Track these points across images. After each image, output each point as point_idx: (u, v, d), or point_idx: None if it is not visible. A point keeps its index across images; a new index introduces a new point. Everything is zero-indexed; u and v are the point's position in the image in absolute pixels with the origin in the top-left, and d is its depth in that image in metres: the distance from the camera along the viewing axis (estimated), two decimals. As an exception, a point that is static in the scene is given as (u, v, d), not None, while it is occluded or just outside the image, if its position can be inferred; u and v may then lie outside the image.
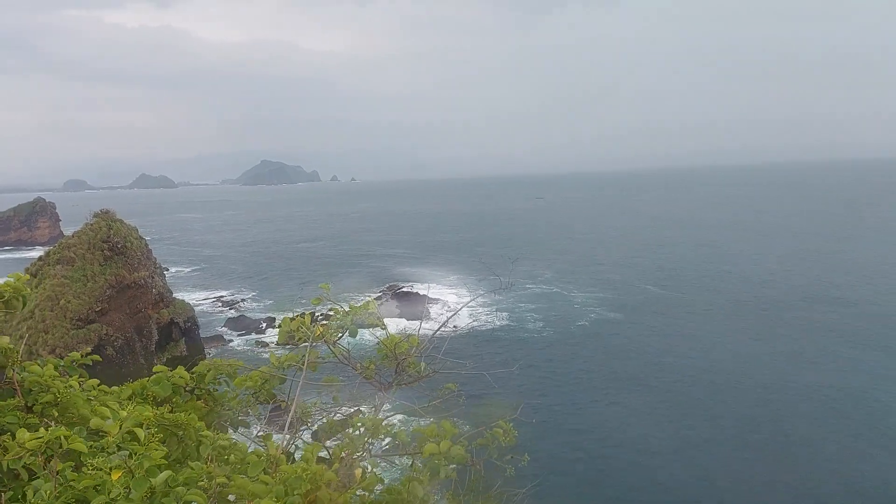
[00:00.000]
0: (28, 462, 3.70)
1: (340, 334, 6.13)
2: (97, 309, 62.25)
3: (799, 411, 52.58)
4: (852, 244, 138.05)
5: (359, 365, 6.17)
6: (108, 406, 4.20)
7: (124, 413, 3.96)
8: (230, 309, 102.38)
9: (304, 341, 5.91)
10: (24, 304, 5.41)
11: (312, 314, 6.60)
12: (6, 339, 4.79)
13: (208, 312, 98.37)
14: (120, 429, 3.89)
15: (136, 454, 3.77)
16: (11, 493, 3.68)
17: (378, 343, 6.41)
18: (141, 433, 3.90)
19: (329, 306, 6.56)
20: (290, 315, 6.11)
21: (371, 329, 6.35)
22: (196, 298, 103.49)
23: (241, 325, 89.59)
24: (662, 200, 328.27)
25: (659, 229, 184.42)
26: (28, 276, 5.50)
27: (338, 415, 6.25)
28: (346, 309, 6.19)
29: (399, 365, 6.23)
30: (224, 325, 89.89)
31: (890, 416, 50.47)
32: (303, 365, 5.85)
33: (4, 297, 5.17)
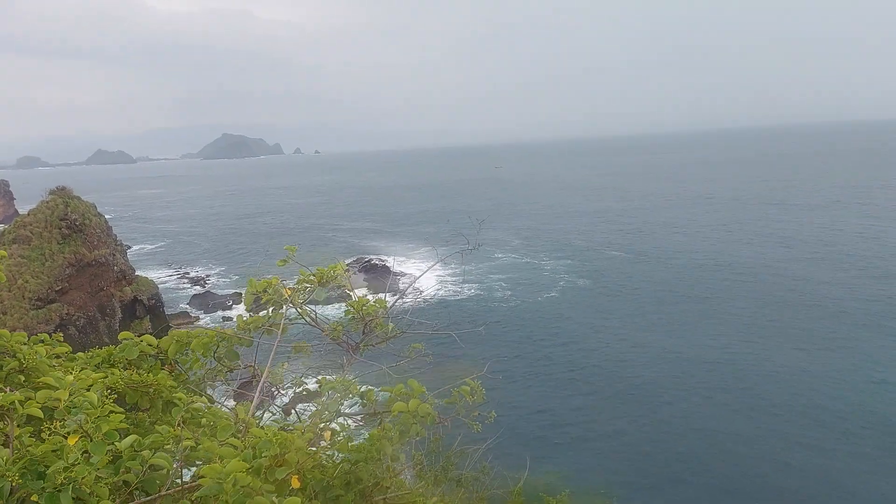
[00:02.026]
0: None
1: (308, 296, 6.10)
2: (57, 288, 60.91)
3: (766, 361, 54.37)
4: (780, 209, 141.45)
5: (327, 327, 6.15)
6: (54, 374, 4.11)
7: (70, 378, 3.88)
8: (195, 285, 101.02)
9: (272, 303, 5.86)
10: None
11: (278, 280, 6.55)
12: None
13: (173, 289, 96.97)
14: (70, 395, 3.81)
15: (92, 418, 3.71)
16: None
17: (345, 308, 6.40)
18: (93, 397, 3.83)
19: (295, 272, 6.51)
20: (256, 279, 6.04)
21: (337, 303, 6.33)
22: (160, 275, 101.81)
23: (207, 301, 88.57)
24: (620, 166, 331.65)
25: (616, 195, 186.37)
26: (4, 253, 5.31)
27: (306, 379, 6.24)
28: (313, 271, 6.15)
29: (366, 326, 6.23)
30: (189, 302, 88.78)
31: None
32: (269, 328, 5.82)
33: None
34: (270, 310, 5.92)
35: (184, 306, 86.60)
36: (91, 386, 3.99)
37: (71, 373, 3.96)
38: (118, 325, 65.50)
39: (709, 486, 38.14)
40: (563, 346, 62.28)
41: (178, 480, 4.03)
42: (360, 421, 6.10)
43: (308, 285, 6.09)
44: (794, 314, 66.57)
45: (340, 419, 5.56)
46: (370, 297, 6.79)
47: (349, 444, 5.17)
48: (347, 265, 6.88)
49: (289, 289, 6.04)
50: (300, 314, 5.96)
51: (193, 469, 4.45)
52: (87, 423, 3.68)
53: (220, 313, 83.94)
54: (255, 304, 5.94)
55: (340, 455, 5.22)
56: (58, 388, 3.75)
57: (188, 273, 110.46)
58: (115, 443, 3.83)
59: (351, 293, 6.45)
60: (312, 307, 6.50)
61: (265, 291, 5.86)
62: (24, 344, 4.76)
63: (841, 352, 56.08)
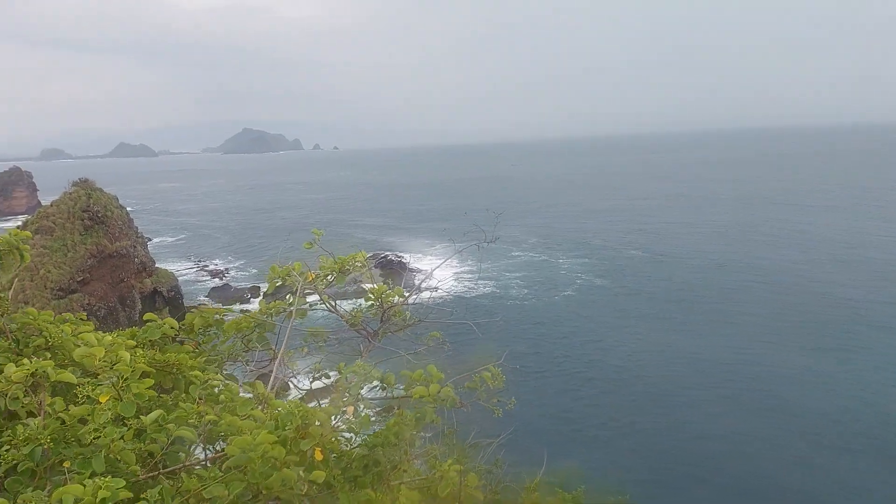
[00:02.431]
0: (12, 397, 3.72)
1: (328, 283, 6.17)
2: (78, 279, 61.73)
3: (783, 363, 53.88)
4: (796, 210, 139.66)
5: (346, 314, 6.23)
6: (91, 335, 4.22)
7: (109, 338, 4.00)
8: (214, 278, 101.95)
9: (295, 288, 5.94)
10: (22, 260, 5.34)
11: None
12: (-2, 288, 4.77)
13: (192, 282, 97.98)
14: (105, 353, 3.91)
15: (122, 378, 3.80)
16: (9, 433, 3.71)
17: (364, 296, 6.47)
18: (126, 356, 3.93)
19: (316, 260, 6.58)
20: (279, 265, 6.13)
21: (352, 298, 6.38)
22: (179, 268, 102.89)
23: (226, 294, 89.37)
24: (637, 163, 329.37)
25: (638, 194, 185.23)
26: (29, 234, 5.44)
27: (325, 367, 6.32)
28: (335, 258, 6.22)
29: (385, 313, 6.29)
30: (208, 295, 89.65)
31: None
32: (290, 312, 5.90)
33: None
34: (292, 294, 6.00)
35: (203, 299, 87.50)
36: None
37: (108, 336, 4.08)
38: (138, 316, 66.24)
39: (724, 487, 37.94)
40: (579, 343, 62.18)
41: (201, 454, 4.12)
42: (380, 406, 6.16)
43: (329, 272, 6.16)
44: (813, 316, 65.92)
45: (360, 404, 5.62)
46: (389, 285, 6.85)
47: (369, 424, 5.23)
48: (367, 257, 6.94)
49: (311, 274, 6.11)
50: (321, 300, 6.04)
51: (214, 449, 4.55)
52: (119, 383, 3.79)
53: (238, 306, 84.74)
54: (277, 290, 6.04)
55: (358, 438, 5.29)
56: (95, 346, 3.86)
57: (207, 266, 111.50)
58: (141, 416, 3.93)
59: (370, 281, 6.52)
60: (332, 301, 6.57)
61: (288, 276, 5.94)
62: (51, 322, 4.87)
63: (861, 353, 55.50)
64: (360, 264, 6.20)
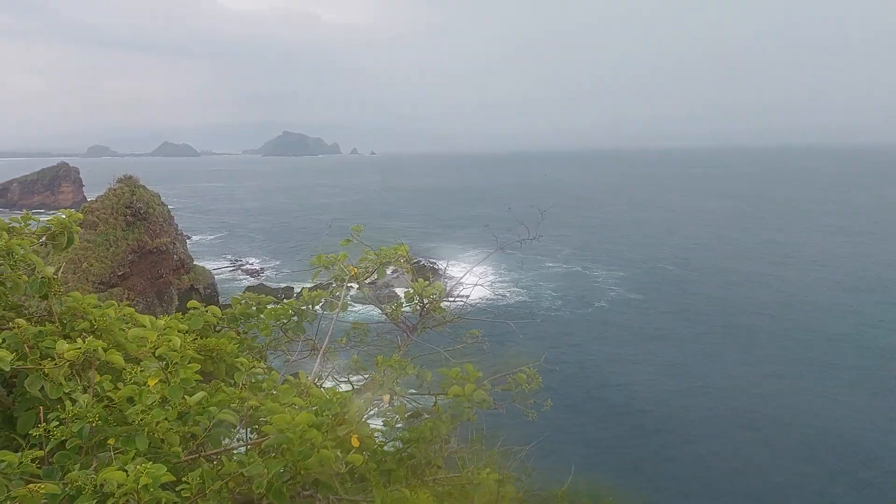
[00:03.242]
0: (66, 373, 3.80)
1: (369, 275, 6.19)
2: (119, 273, 63.08)
3: (819, 397, 52.43)
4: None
5: (386, 307, 6.24)
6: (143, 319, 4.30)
7: (161, 322, 4.06)
8: (250, 277, 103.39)
9: (337, 279, 5.98)
10: (70, 241, 5.47)
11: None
12: (50, 269, 4.87)
13: (228, 280, 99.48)
14: (158, 337, 3.98)
15: (171, 363, 3.86)
16: (57, 410, 3.77)
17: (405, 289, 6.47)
18: (177, 340, 3.98)
19: (357, 254, 6.60)
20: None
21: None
22: (216, 266, 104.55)
23: (261, 293, 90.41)
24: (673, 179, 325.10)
25: (670, 208, 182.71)
26: (80, 216, 5.58)
27: (361, 356, 6.33)
28: (377, 251, 6.24)
29: (424, 308, 6.28)
30: (243, 294, 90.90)
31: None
32: (330, 304, 5.93)
33: (50, 230, 5.27)
34: (333, 285, 6.04)
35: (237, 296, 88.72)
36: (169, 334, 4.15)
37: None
38: (175, 312, 67.42)
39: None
40: (611, 357, 61.48)
41: (242, 439, 4.16)
42: (414, 401, 6.15)
43: (371, 265, 6.18)
44: (856, 351, 61.87)
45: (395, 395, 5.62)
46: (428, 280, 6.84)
47: (404, 413, 5.23)
48: (390, 270, 6.94)
49: (354, 268, 6.14)
50: (362, 292, 6.06)
51: (254, 434, 4.59)
52: (167, 368, 3.84)
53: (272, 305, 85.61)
54: (318, 280, 6.07)
55: (393, 432, 5.29)
56: (149, 329, 3.93)
57: (243, 265, 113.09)
58: (185, 397, 3.97)
59: (411, 273, 6.53)
60: (374, 295, 6.57)
61: (333, 265, 5.97)
62: (95, 307, 4.96)
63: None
64: (401, 256, 6.21)
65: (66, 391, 3.85)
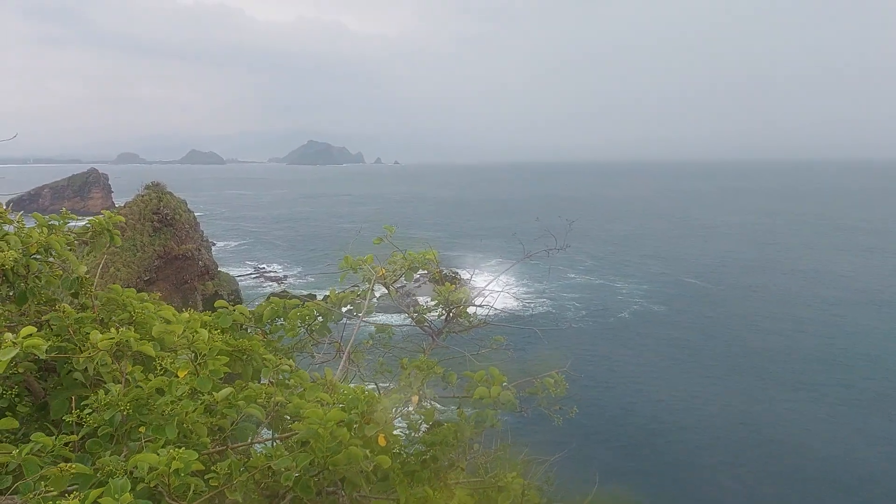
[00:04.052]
0: (101, 363, 3.87)
1: (397, 278, 6.21)
2: (145, 278, 63.95)
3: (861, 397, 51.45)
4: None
5: (412, 309, 6.25)
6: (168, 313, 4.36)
7: (186, 316, 4.12)
8: (273, 283, 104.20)
9: (365, 279, 6.01)
10: (111, 241, 5.56)
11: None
12: (84, 267, 4.96)
13: (252, 286, 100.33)
14: (185, 329, 4.03)
15: (200, 355, 3.91)
16: (90, 399, 3.84)
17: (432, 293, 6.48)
18: (204, 333, 4.03)
19: (388, 254, 6.62)
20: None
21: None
22: (240, 272, 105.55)
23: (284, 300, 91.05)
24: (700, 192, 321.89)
25: (694, 221, 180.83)
26: (122, 218, 5.67)
27: (386, 358, 6.34)
28: (406, 254, 6.26)
29: (450, 312, 6.29)
30: (267, 299, 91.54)
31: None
32: (357, 306, 5.96)
33: (91, 230, 5.38)
34: (362, 286, 6.07)
35: (261, 302, 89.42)
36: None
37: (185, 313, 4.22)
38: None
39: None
40: (634, 368, 60.94)
41: (267, 434, 4.19)
42: (438, 403, 6.14)
43: (400, 268, 6.21)
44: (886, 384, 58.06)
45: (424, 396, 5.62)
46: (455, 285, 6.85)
47: (433, 416, 5.22)
48: (419, 275, 6.93)
49: (382, 269, 6.17)
50: (389, 295, 6.09)
51: (280, 429, 4.62)
52: (197, 359, 3.90)
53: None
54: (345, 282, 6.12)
55: (417, 435, 5.28)
56: (174, 322, 4.00)
57: (267, 272, 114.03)
58: (213, 393, 4.01)
59: (438, 278, 6.54)
60: (401, 297, 6.59)
61: (361, 267, 6.01)
62: (134, 299, 5.06)
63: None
64: (430, 261, 6.22)
65: (108, 371, 3.92)
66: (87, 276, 5.04)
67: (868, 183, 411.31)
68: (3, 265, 4.11)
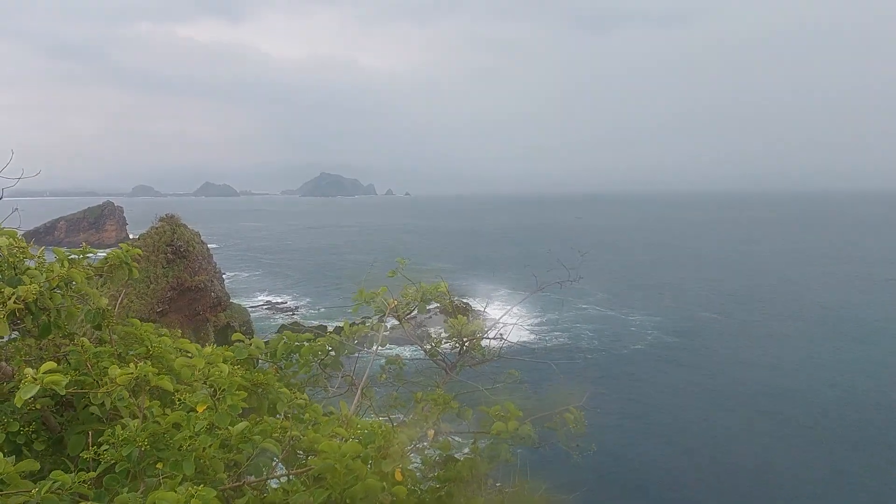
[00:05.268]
0: (118, 398, 3.88)
1: (410, 311, 6.22)
2: (158, 310, 64.17)
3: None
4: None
5: (426, 342, 6.24)
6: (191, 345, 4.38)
7: (208, 350, 4.13)
8: (284, 314, 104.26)
9: (378, 311, 6.02)
10: (130, 274, 5.61)
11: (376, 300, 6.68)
12: (105, 300, 5.01)
13: (263, 318, 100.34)
14: (205, 364, 4.05)
15: (219, 390, 3.91)
16: (107, 434, 3.85)
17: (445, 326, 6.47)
18: (225, 368, 4.04)
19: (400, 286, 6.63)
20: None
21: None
22: (252, 303, 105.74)
23: (296, 331, 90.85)
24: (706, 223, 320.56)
25: (702, 252, 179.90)
26: (139, 251, 5.74)
27: (400, 391, 6.32)
28: (418, 286, 6.28)
29: (464, 346, 6.26)
30: (278, 331, 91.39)
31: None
32: (370, 340, 5.96)
33: (109, 263, 5.44)
34: (373, 319, 6.08)
35: (273, 335, 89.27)
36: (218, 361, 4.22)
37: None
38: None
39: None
40: (651, 401, 60.11)
41: (282, 469, 4.17)
42: (455, 436, 6.09)
43: (412, 300, 6.22)
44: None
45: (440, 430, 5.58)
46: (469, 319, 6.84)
47: (449, 448, 5.17)
48: (431, 307, 6.92)
49: (393, 301, 6.18)
50: (402, 327, 6.08)
51: (296, 464, 4.59)
52: (216, 394, 3.90)
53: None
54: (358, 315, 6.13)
55: (433, 467, 5.24)
56: (196, 356, 4.01)
57: (279, 303, 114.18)
58: (229, 427, 4.01)
59: (451, 311, 6.53)
60: (414, 330, 6.59)
61: (374, 299, 6.03)
62: (152, 333, 5.09)
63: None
64: (441, 293, 6.23)
65: (126, 405, 3.93)
66: (109, 309, 5.08)
67: (884, 213, 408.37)
68: (26, 299, 4.15)
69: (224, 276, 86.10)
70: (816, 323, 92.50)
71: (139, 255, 5.47)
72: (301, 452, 4.42)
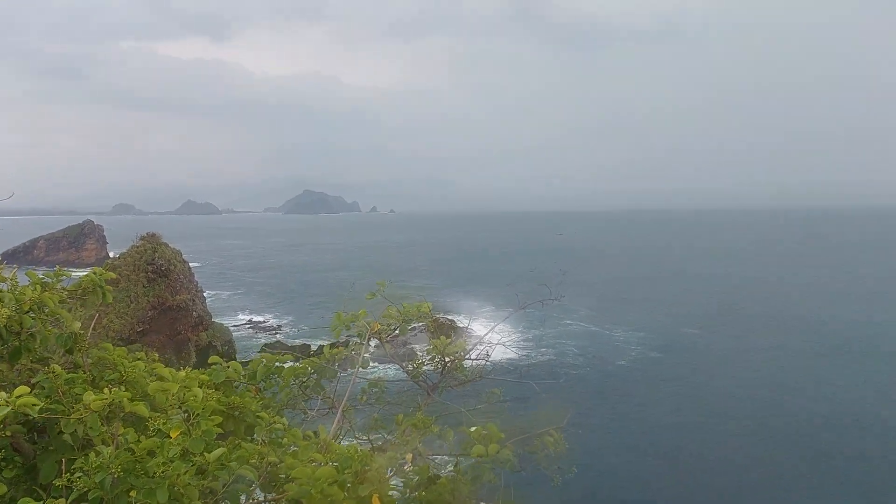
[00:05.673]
0: (91, 424, 3.81)
1: (392, 332, 6.19)
2: (139, 329, 63.41)
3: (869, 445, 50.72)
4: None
5: (407, 365, 6.20)
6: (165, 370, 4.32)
7: (182, 374, 4.08)
8: (267, 333, 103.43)
9: (359, 334, 5.98)
10: (104, 298, 5.55)
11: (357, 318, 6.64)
12: (78, 324, 4.95)
13: (245, 337, 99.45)
14: (180, 388, 3.99)
15: (193, 414, 3.86)
16: (80, 461, 3.78)
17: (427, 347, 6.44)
18: (199, 392, 3.99)
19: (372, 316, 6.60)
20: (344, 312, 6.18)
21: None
22: (234, 322, 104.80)
23: (277, 351, 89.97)
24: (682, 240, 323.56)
25: (683, 269, 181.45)
26: (113, 275, 5.68)
27: (381, 413, 6.27)
28: (400, 307, 6.25)
29: (446, 367, 6.24)
30: (260, 351, 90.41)
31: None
32: (350, 361, 5.92)
33: (82, 287, 5.37)
34: (355, 341, 6.03)
35: (255, 354, 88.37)
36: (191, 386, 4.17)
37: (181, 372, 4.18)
38: (192, 368, 67.32)
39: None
40: (634, 418, 60.21)
41: (261, 496, 4.10)
42: (435, 459, 6.04)
43: (394, 322, 6.19)
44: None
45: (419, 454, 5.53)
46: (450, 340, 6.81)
47: (427, 473, 5.12)
48: (413, 326, 6.88)
49: (376, 324, 6.15)
50: (383, 349, 6.05)
51: (272, 492, 4.52)
52: (190, 419, 3.84)
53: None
54: (340, 337, 6.08)
55: (414, 490, 5.18)
56: (170, 381, 3.95)
57: (261, 322, 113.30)
58: (205, 454, 3.95)
59: (433, 331, 6.51)
60: (395, 352, 6.56)
61: (355, 322, 5.99)
62: (125, 358, 5.02)
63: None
64: (424, 314, 6.21)
65: (98, 434, 3.86)
66: (82, 333, 5.01)
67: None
68: (-3, 323, 4.08)
69: (205, 294, 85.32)
70: (798, 337, 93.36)
71: (113, 279, 5.41)
72: (283, 476, 4.36)
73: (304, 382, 6.07)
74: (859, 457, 50.78)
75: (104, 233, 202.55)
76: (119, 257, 67.69)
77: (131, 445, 3.75)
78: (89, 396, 3.84)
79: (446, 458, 5.90)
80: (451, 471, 5.69)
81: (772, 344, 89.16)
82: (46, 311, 4.65)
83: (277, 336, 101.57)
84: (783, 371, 75.58)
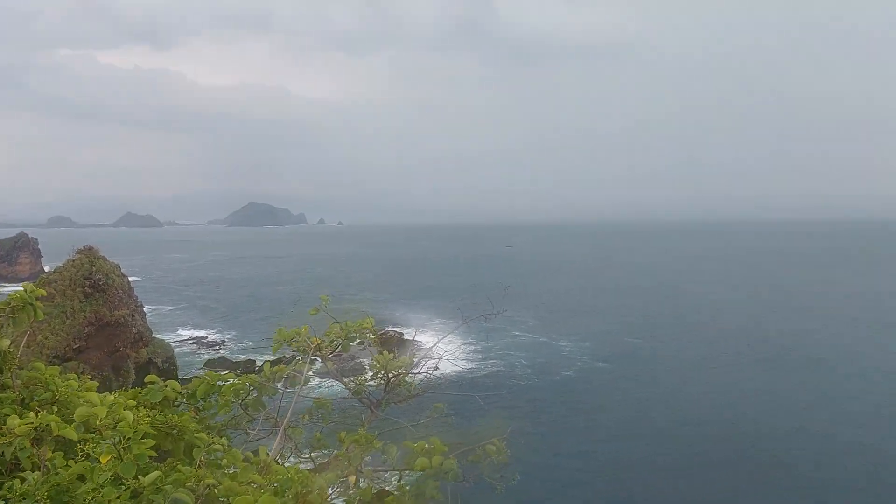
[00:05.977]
0: (19, 448, 3.67)
1: (335, 349, 6.14)
2: (75, 346, 61.04)
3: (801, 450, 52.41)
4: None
5: (349, 381, 6.16)
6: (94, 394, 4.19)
7: (111, 398, 3.97)
8: (210, 349, 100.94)
9: (301, 351, 5.91)
10: (35, 315, 5.35)
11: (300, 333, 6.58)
12: (7, 342, 4.77)
13: (188, 353, 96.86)
14: (108, 412, 3.88)
15: (124, 439, 3.76)
16: (3, 490, 3.64)
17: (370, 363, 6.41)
18: (129, 416, 3.89)
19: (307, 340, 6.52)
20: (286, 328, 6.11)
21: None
22: (176, 338, 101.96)
23: (221, 367, 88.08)
24: (634, 251, 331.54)
25: (631, 281, 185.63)
26: (43, 292, 5.48)
27: (324, 431, 6.21)
28: (342, 324, 6.21)
29: (389, 383, 6.23)
30: (203, 367, 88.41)
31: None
32: (292, 379, 5.85)
33: (11, 305, 5.16)
34: (296, 359, 5.96)
35: (198, 371, 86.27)
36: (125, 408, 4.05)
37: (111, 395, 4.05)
38: (131, 386, 65.16)
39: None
40: (579, 426, 61.01)
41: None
42: (379, 477, 6.00)
43: (336, 339, 6.15)
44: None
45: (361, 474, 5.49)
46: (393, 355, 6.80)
47: (370, 495, 5.09)
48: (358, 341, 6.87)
49: (316, 339, 6.09)
50: (325, 366, 5.99)
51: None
52: (121, 443, 3.73)
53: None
54: (280, 354, 5.99)
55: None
56: (98, 405, 3.82)
57: (204, 337, 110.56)
58: (139, 477, 3.85)
59: (377, 347, 6.49)
60: (337, 369, 6.51)
61: (294, 340, 5.92)
62: (57, 377, 4.86)
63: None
64: (366, 329, 6.18)
65: (27, 456, 3.72)
66: (11, 351, 4.83)
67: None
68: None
69: (146, 310, 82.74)
70: (741, 346, 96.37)
71: (45, 295, 5.24)
72: (221, 499, 4.27)
73: (244, 400, 5.95)
74: (805, 461, 52.60)
75: (39, 246, 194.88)
76: (54, 271, 65.13)
77: (60, 470, 3.62)
78: (14, 420, 3.70)
79: (390, 473, 5.87)
80: (395, 485, 5.68)
81: (715, 352, 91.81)
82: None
83: (221, 352, 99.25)
84: (727, 379, 77.87)
